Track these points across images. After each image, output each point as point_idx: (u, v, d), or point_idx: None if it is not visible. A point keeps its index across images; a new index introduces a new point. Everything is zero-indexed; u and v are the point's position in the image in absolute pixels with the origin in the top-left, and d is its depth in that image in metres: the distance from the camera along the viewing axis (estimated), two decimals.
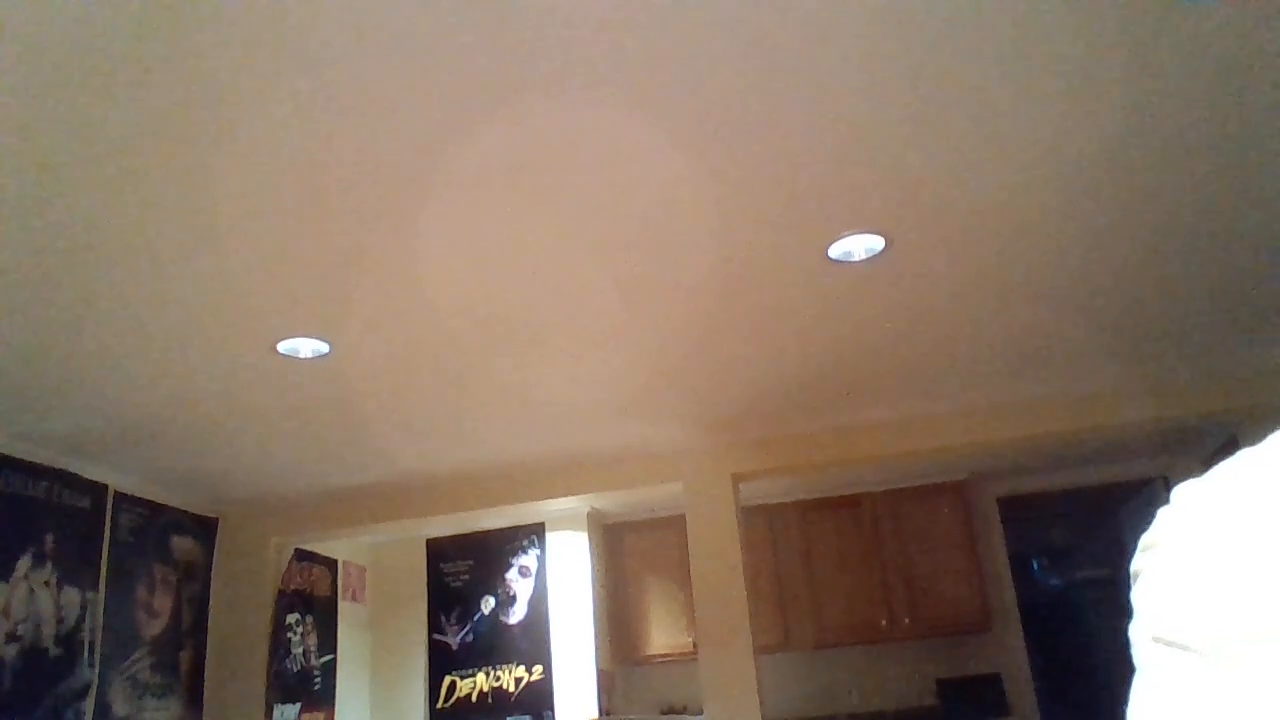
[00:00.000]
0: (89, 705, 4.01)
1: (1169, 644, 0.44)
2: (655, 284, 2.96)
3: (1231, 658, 0.41)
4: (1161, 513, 0.49)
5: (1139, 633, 0.47)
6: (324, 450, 4.27)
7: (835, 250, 2.81)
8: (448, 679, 5.77)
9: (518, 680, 5.63)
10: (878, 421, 4.64)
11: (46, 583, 3.85)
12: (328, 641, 5.56)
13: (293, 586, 5.25)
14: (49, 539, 3.88)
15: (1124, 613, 0.50)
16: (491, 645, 5.75)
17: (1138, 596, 0.48)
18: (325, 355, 3.24)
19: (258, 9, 1.70)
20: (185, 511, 4.82)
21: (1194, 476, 0.50)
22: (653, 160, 2.29)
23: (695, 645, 5.17)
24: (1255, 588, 0.42)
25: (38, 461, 3.88)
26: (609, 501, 5.60)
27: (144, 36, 1.74)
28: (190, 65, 1.82)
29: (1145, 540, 0.49)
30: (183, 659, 4.68)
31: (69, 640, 3.93)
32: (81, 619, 4.01)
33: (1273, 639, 0.40)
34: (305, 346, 3.16)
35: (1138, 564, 0.49)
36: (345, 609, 5.81)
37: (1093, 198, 2.63)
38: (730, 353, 3.58)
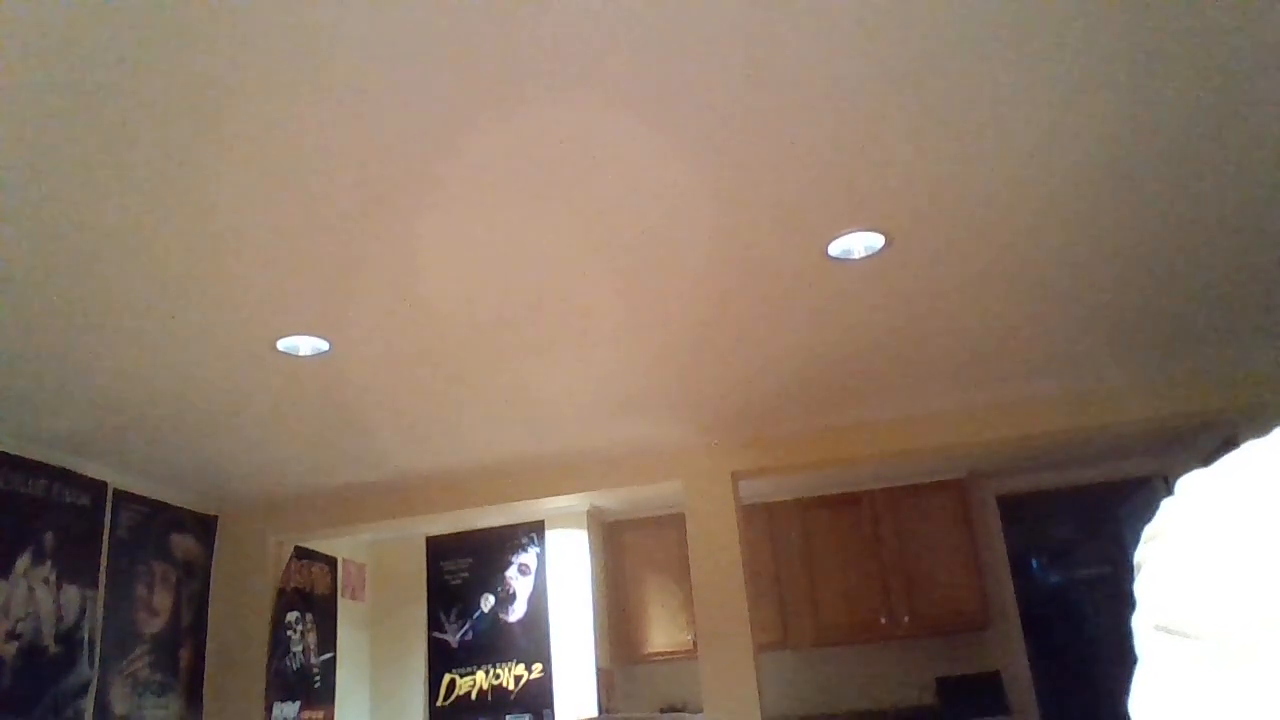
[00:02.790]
0: (88, 703, 4.01)
1: (1171, 632, 0.44)
2: (655, 283, 2.96)
3: (1233, 645, 0.41)
4: (1165, 503, 0.49)
5: (1142, 622, 0.47)
6: (324, 448, 4.27)
7: (835, 248, 2.81)
8: (447, 677, 5.77)
9: (517, 678, 5.64)
10: (878, 420, 4.64)
11: (46, 581, 3.85)
12: (327, 639, 5.56)
13: (292, 584, 5.25)
14: (48, 537, 3.88)
15: (1124, 611, 0.50)
16: (491, 643, 5.75)
17: (1141, 586, 0.48)
18: (325, 353, 3.24)
19: (258, 9, 1.70)
20: (185, 509, 4.82)
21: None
22: (652, 160, 2.28)
23: (695, 643, 5.17)
24: (1257, 577, 0.42)
25: (37, 459, 3.88)
26: (609, 499, 5.60)
27: (143, 36, 1.74)
28: (190, 64, 1.82)
29: (1149, 531, 0.49)
30: (182, 657, 4.68)
31: (68, 638, 3.93)
32: (81, 617, 4.01)
33: (1274, 626, 0.40)
34: (305, 344, 3.16)
35: (1141, 554, 0.49)
36: (345, 607, 5.81)
37: (1093, 196, 2.63)
38: (730, 351, 3.58)
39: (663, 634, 5.89)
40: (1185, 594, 0.44)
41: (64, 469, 4.01)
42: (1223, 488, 0.46)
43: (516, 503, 5.06)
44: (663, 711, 5.98)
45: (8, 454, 3.74)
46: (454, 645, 5.82)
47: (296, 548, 5.33)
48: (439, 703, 5.75)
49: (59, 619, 3.89)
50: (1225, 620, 0.42)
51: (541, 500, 5.09)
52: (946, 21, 1.89)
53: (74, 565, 4.00)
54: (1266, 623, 0.40)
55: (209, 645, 4.88)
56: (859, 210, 2.61)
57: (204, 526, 4.97)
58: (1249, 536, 0.43)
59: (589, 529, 5.80)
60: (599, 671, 5.54)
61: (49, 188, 2.18)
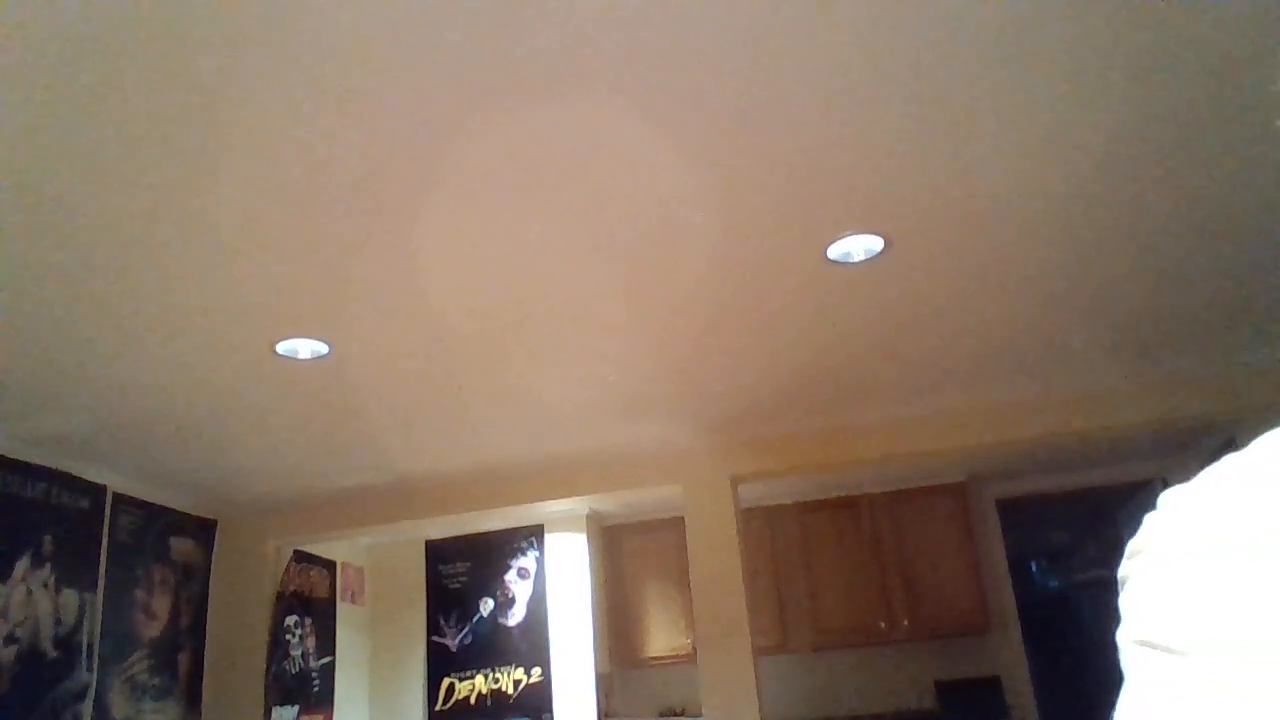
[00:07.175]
0: (87, 707, 4.01)
1: (1154, 647, 0.44)
2: (654, 285, 2.96)
3: (1214, 659, 0.41)
4: (1148, 518, 0.49)
5: (1126, 637, 0.47)
6: (323, 451, 4.27)
7: (834, 251, 2.81)
8: (446, 681, 5.77)
9: (516, 682, 5.63)
10: (877, 423, 4.64)
11: (45, 584, 3.84)
12: (326, 643, 5.55)
13: (291, 588, 5.25)
14: (47, 540, 3.88)
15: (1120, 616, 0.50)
16: (490, 647, 5.74)
17: (1125, 602, 0.48)
18: (324, 356, 3.24)
19: (258, 9, 1.70)
20: (184, 513, 4.81)
21: (1192, 478, 0.50)
22: (652, 160, 2.29)
23: (694, 647, 5.17)
24: (1240, 592, 0.42)
25: (36, 463, 3.87)
26: (608, 503, 5.60)
27: (144, 36, 1.74)
28: (190, 65, 1.82)
29: (1132, 546, 0.49)
30: (181, 661, 4.67)
31: (67, 642, 3.92)
32: (80, 621, 4.01)
33: (1256, 644, 0.40)
34: (304, 347, 3.16)
35: (1125, 569, 0.49)
36: (344, 611, 5.81)
37: (1093, 198, 2.63)
38: (729, 354, 3.58)
39: (662, 638, 5.89)
40: (1168, 608, 0.44)
41: (63, 472, 4.01)
42: (1204, 502, 0.46)
43: (516, 506, 5.06)
44: (662, 716, 5.97)
45: (7, 457, 3.74)
46: (453, 649, 5.82)
47: (295, 551, 5.32)
48: (438, 707, 5.74)
49: (58, 623, 3.89)
50: (1208, 635, 0.42)
51: (541, 504, 5.09)
52: (946, 23, 1.89)
53: (73, 569, 4.00)
54: (1249, 637, 0.40)
55: (208, 649, 4.87)
56: (858, 213, 2.61)
57: (203, 530, 4.96)
58: (1229, 552, 0.43)
59: (588, 533, 5.80)
60: (598, 676, 5.53)
61: (47, 190, 2.18)
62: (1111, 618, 0.50)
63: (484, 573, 5.89)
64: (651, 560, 6.02)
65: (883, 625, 5.73)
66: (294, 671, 5.18)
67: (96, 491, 4.20)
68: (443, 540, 5.99)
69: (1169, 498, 0.49)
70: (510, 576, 5.83)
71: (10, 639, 3.64)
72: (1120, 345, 3.84)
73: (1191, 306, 3.48)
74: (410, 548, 6.08)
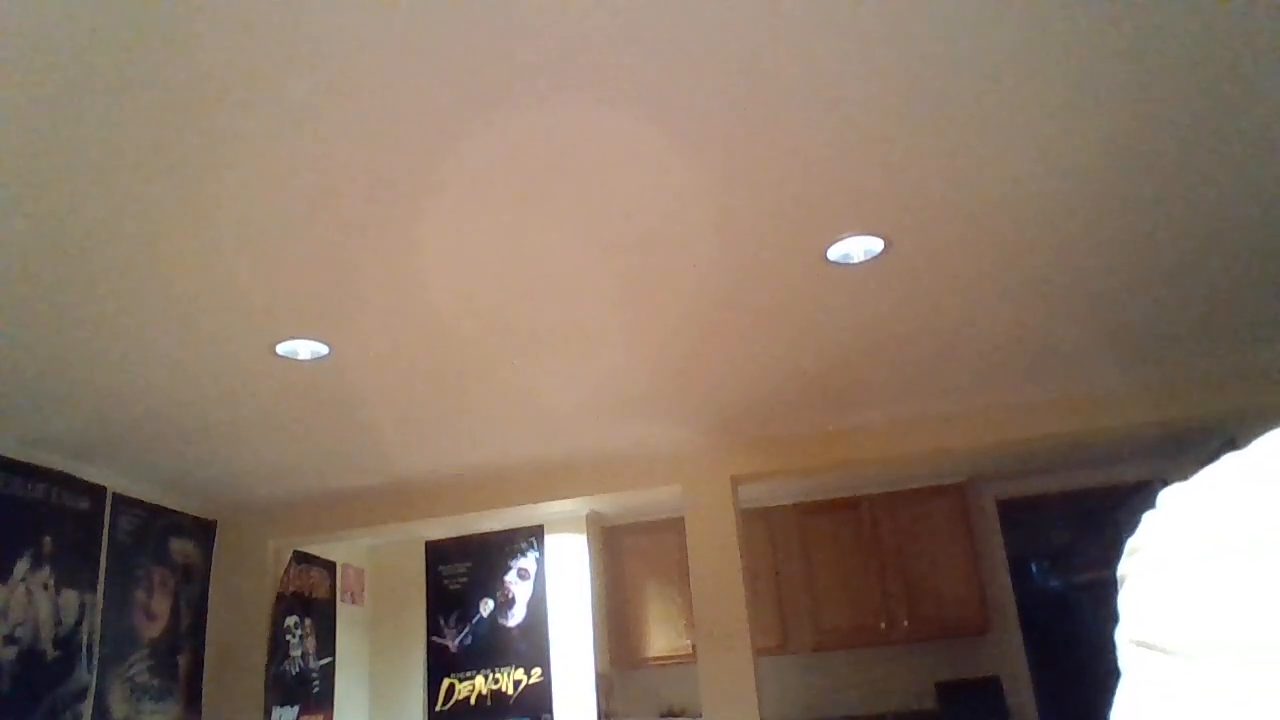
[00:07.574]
0: (87, 708, 4.00)
1: (1151, 647, 0.44)
2: (654, 286, 2.96)
3: (1212, 660, 0.41)
4: (1147, 517, 0.49)
5: (1123, 636, 0.47)
6: (323, 452, 4.27)
7: (834, 252, 2.81)
8: (446, 681, 5.77)
9: (516, 683, 5.63)
10: (877, 423, 4.64)
11: (45, 585, 3.84)
12: (326, 644, 5.55)
13: (291, 589, 5.25)
14: (47, 541, 3.88)
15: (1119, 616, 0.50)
16: (490, 648, 5.74)
17: (1123, 600, 0.48)
18: (324, 357, 3.24)
19: (259, 11, 1.70)
20: (184, 514, 4.81)
21: (1192, 478, 0.50)
22: (652, 162, 2.29)
23: (694, 648, 5.17)
24: (1237, 593, 0.42)
25: (36, 463, 3.87)
26: (608, 504, 5.60)
27: (145, 37, 1.74)
28: (191, 66, 1.82)
29: (1131, 545, 0.49)
30: (181, 661, 4.67)
31: (67, 643, 3.92)
32: (80, 621, 4.01)
33: (1254, 644, 0.40)
34: (304, 348, 3.16)
35: (1123, 568, 0.49)
36: (344, 611, 5.80)
37: (1093, 199, 2.63)
38: (729, 355, 3.58)
39: (662, 639, 5.89)
40: (1165, 609, 0.44)
41: (63, 473, 4.01)
42: (1203, 501, 0.46)
43: (516, 507, 5.06)
44: (662, 716, 5.97)
45: (7, 458, 3.74)
46: (453, 650, 5.82)
47: (295, 552, 5.32)
48: (438, 707, 5.74)
49: (57, 623, 3.89)
50: (1206, 635, 0.42)
51: (541, 504, 5.09)
52: (946, 25, 1.89)
53: (73, 569, 4.00)
54: (1247, 638, 0.40)
55: (208, 650, 4.87)
56: (858, 214, 2.61)
57: (203, 531, 4.96)
58: (1228, 551, 0.43)
59: (588, 533, 5.80)
60: (598, 676, 5.53)
61: (48, 190, 2.18)
62: (1111, 618, 0.50)
63: (484, 573, 5.88)
64: (651, 561, 6.01)
65: (883, 626, 5.73)
66: (294, 672, 5.18)
67: (96, 492, 4.20)
68: (443, 541, 5.99)
69: (1168, 496, 0.49)
70: (510, 577, 5.83)
71: (10, 639, 3.64)
72: (1120, 345, 3.84)
73: (1191, 307, 3.48)
74: (410, 548, 6.08)
